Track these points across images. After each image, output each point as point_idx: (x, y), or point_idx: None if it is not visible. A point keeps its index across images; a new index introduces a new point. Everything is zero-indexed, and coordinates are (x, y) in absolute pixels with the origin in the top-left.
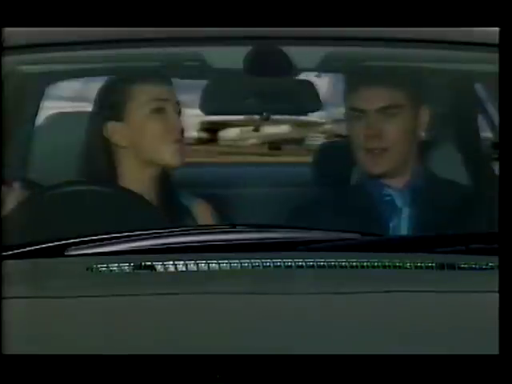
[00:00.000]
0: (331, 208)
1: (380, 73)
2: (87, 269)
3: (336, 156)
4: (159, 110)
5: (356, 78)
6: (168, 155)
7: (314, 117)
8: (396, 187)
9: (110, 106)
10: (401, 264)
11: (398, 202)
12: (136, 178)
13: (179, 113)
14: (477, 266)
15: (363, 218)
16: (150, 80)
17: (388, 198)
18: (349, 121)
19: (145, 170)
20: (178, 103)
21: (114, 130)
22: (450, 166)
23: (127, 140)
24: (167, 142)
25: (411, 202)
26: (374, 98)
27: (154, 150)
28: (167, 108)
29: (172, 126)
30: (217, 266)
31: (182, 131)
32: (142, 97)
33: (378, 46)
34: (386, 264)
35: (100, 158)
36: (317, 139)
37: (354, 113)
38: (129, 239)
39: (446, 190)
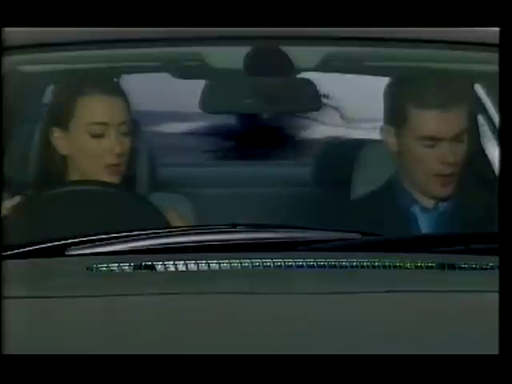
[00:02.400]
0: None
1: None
2: (87, 269)
3: (337, 155)
4: (98, 134)
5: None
6: (99, 177)
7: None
8: (425, 206)
9: (56, 112)
10: (401, 264)
11: (421, 224)
12: None
13: (125, 133)
14: (477, 266)
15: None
16: (97, 95)
17: (412, 217)
18: (415, 148)
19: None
20: (124, 123)
21: (57, 138)
22: None
23: (68, 150)
24: (100, 165)
25: (434, 226)
26: (449, 125)
27: (87, 169)
28: (106, 132)
29: (107, 150)
30: (217, 266)
31: (120, 155)
32: (84, 115)
33: (378, 46)
34: (386, 264)
35: (48, 162)
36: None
37: (425, 142)
38: (128, 239)
39: (473, 209)
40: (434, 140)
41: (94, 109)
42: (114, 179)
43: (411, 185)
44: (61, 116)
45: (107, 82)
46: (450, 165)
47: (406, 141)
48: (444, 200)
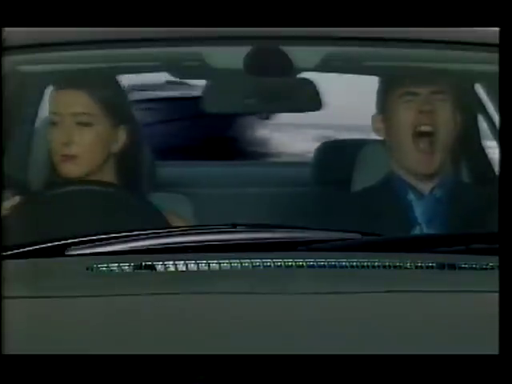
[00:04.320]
0: (342, 210)
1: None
2: (87, 269)
3: (337, 155)
4: (54, 124)
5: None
6: (58, 168)
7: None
8: (421, 192)
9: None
10: (401, 264)
11: (417, 211)
12: None
13: (85, 124)
14: (477, 266)
15: (372, 221)
16: (65, 89)
17: (408, 205)
18: (396, 106)
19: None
20: (83, 114)
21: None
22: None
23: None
24: (56, 155)
25: (429, 213)
26: (426, 82)
27: (53, 161)
28: (61, 123)
29: (59, 140)
30: (217, 265)
31: (72, 144)
32: (49, 106)
33: (378, 46)
34: (386, 264)
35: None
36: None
37: (404, 97)
38: (128, 239)
39: (471, 198)
40: (413, 95)
41: (56, 100)
42: (73, 171)
43: (402, 169)
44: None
45: (80, 77)
46: (427, 118)
47: (389, 105)
48: (431, 176)
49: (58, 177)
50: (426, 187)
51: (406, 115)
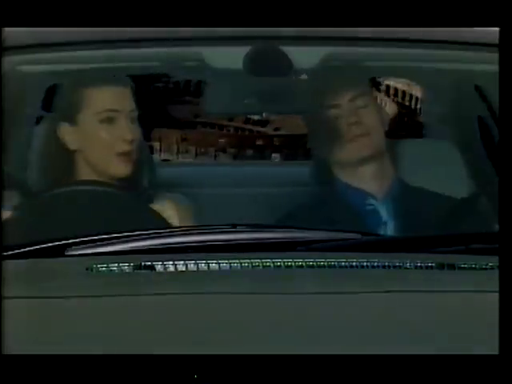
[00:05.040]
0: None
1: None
2: (87, 269)
3: None
4: (109, 121)
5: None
6: (112, 166)
7: None
8: (377, 196)
9: (64, 107)
10: (401, 264)
11: (382, 212)
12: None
13: (132, 121)
14: (477, 266)
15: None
16: (105, 86)
17: (370, 208)
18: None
19: (97, 175)
20: (133, 110)
21: (66, 132)
22: (450, 166)
23: (77, 144)
24: (112, 153)
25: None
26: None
27: (99, 159)
28: (118, 119)
29: (119, 137)
30: (217, 266)
31: (132, 142)
32: (94, 105)
33: (378, 45)
34: (386, 264)
35: (54, 159)
36: None
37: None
38: (129, 239)
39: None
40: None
41: (104, 97)
42: (125, 169)
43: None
44: (69, 110)
45: (111, 75)
46: (356, 128)
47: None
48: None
49: (103, 175)
50: (378, 192)
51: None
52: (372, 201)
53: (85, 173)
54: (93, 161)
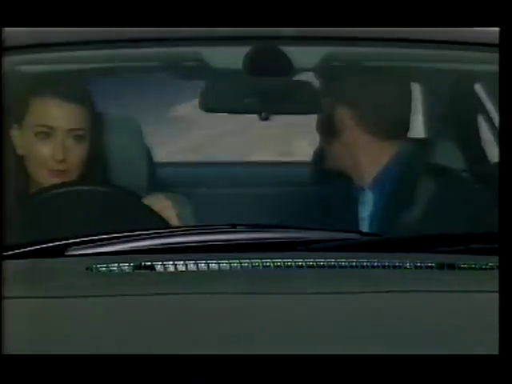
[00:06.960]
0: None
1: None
2: (87, 269)
3: None
4: (43, 136)
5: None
6: (45, 180)
7: None
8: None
9: (14, 111)
10: (401, 264)
11: (367, 200)
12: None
13: (78, 140)
14: (477, 266)
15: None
16: (51, 98)
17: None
18: None
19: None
20: (77, 129)
21: (15, 135)
22: (450, 165)
23: (21, 150)
24: (44, 168)
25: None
26: None
27: (32, 171)
28: (52, 136)
29: (50, 155)
30: (217, 266)
31: (63, 161)
32: (33, 116)
33: (378, 45)
34: (386, 264)
35: (11, 160)
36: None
37: None
38: (129, 239)
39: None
40: None
41: (43, 110)
42: (60, 181)
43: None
44: (16, 113)
45: (70, 88)
46: None
47: None
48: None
49: (36, 184)
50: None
51: None
52: (369, 194)
53: (24, 180)
54: (29, 170)
